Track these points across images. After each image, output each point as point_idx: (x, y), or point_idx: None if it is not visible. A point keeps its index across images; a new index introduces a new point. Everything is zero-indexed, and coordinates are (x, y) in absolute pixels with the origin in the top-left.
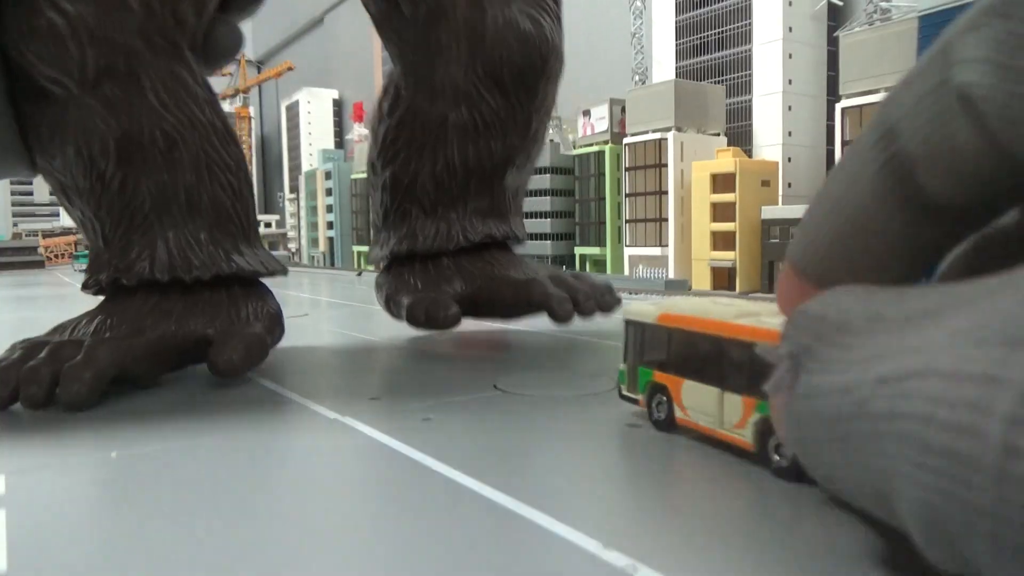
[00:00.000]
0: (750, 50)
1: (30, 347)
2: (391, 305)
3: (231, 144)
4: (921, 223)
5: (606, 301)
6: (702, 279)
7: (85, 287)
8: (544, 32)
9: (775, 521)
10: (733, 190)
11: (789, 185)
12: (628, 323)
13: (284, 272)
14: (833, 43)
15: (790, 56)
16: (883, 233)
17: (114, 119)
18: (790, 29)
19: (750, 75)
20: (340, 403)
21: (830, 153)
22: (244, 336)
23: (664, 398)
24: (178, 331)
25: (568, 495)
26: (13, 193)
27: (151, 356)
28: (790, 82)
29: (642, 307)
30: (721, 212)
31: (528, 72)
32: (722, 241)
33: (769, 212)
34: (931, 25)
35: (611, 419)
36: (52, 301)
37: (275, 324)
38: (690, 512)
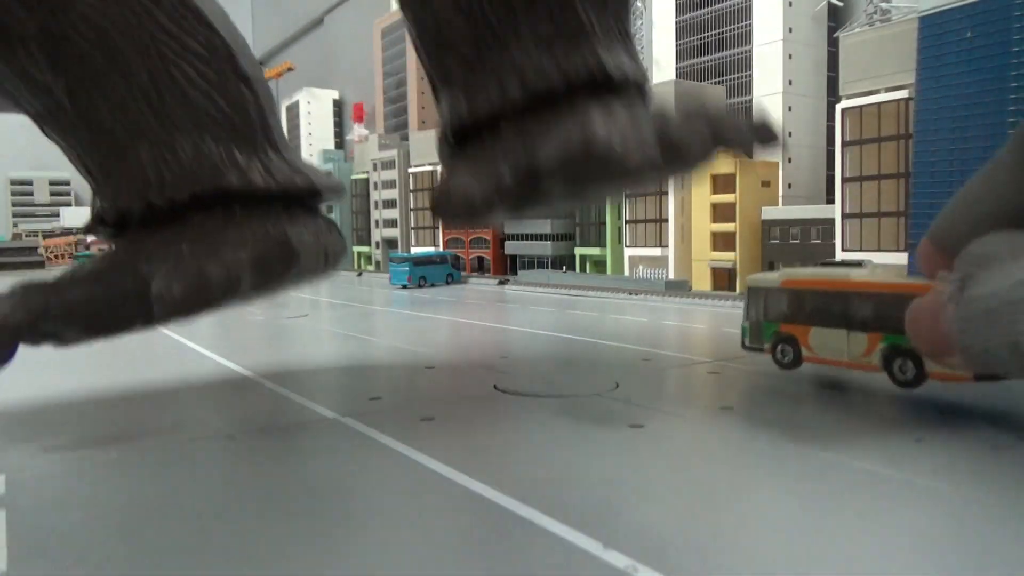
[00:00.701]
0: (750, 51)
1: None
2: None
3: (198, 26)
4: None
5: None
6: (702, 280)
7: (85, 230)
8: None
9: (774, 520)
10: (733, 191)
11: (789, 186)
12: (751, 289)
13: (317, 189)
14: (833, 44)
15: (790, 57)
16: (1010, 203)
17: (26, 11)
18: (790, 30)
19: (750, 76)
20: (340, 403)
21: (830, 154)
22: (194, 264)
23: (789, 346)
24: (137, 273)
25: (568, 495)
26: (13, 193)
27: (91, 304)
28: (790, 83)
29: (764, 275)
30: (721, 213)
31: None
32: (722, 242)
33: (769, 213)
34: (931, 25)
35: (611, 419)
36: None
37: (272, 253)
38: (690, 512)
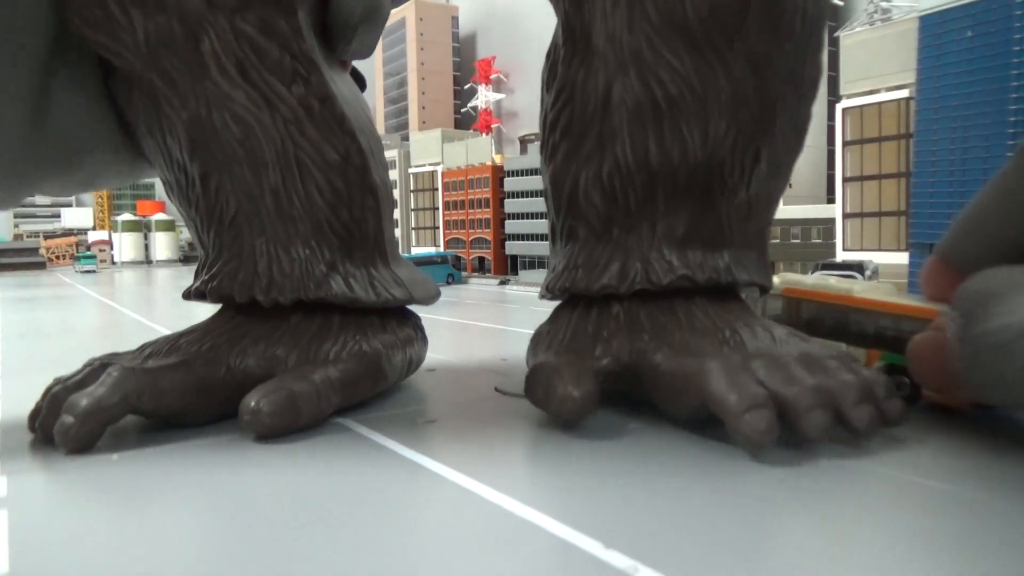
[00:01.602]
0: None
1: (91, 368)
2: (528, 361)
3: (334, 134)
4: None
5: (886, 409)
6: None
7: (185, 295)
8: None
9: (776, 521)
10: None
11: (790, 186)
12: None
13: (414, 301)
14: (834, 43)
15: None
16: (1017, 223)
17: (177, 99)
18: None
19: None
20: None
21: (831, 153)
22: (285, 385)
23: None
24: (229, 367)
25: (568, 495)
26: None
27: (182, 394)
28: None
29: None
30: None
31: (725, 6)
32: None
33: None
34: (931, 25)
35: (611, 419)
36: (53, 302)
37: (361, 371)
38: (690, 512)
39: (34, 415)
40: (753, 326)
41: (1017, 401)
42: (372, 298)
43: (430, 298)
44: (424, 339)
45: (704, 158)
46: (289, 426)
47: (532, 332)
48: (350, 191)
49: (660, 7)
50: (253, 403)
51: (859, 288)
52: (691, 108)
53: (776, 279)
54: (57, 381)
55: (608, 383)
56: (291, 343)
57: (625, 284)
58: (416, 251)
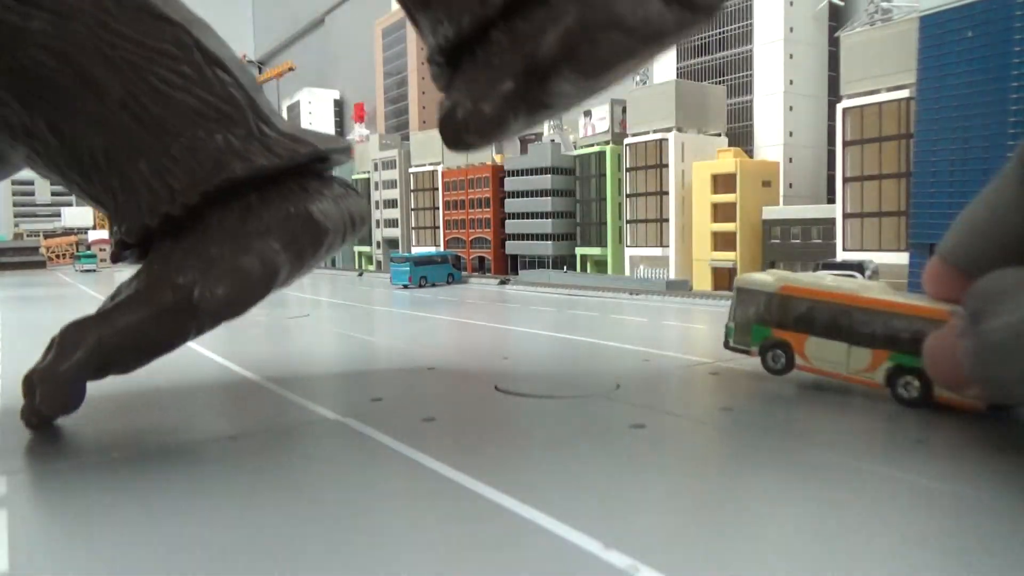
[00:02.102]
0: (751, 50)
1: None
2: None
3: (157, 23)
4: None
5: None
6: (703, 280)
7: (112, 257)
8: None
9: (776, 522)
10: (734, 190)
11: (790, 186)
12: (742, 290)
13: (321, 152)
14: (834, 43)
15: (791, 56)
16: (1019, 225)
17: None
18: (791, 29)
19: (751, 75)
20: (342, 404)
21: (831, 153)
22: (228, 265)
23: (781, 351)
24: (174, 285)
25: (568, 495)
26: (14, 193)
27: (141, 325)
28: (791, 82)
29: (757, 277)
30: (722, 212)
31: None
32: (723, 242)
33: (770, 213)
34: (932, 25)
35: (611, 420)
36: (54, 301)
37: (297, 230)
38: (690, 512)
39: (23, 412)
40: None
41: (1021, 398)
42: (276, 161)
43: (341, 149)
44: (358, 193)
45: None
46: (246, 303)
47: (532, 332)
48: (198, 71)
49: None
50: (205, 290)
51: (860, 287)
52: None
53: (768, 276)
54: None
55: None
56: (221, 238)
57: None
58: (416, 251)
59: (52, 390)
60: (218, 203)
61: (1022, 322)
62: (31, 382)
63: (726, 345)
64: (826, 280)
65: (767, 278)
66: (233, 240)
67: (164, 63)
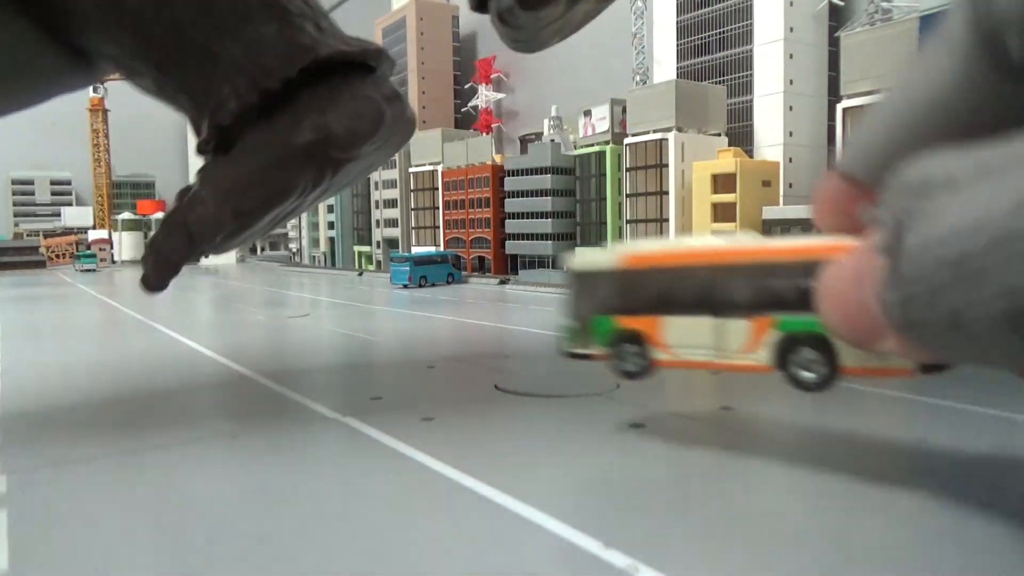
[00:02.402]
0: (751, 50)
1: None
2: None
3: None
4: (1009, 93)
5: None
6: None
7: (198, 151)
8: None
9: (775, 521)
10: (734, 190)
11: (790, 185)
12: (577, 274)
13: (377, 53)
14: (834, 43)
15: (791, 56)
16: (964, 110)
17: None
18: (791, 29)
19: (751, 75)
20: (341, 403)
21: (831, 153)
22: (358, 103)
23: (633, 347)
24: (283, 143)
25: (568, 495)
26: (14, 193)
27: (261, 182)
28: (791, 82)
29: (591, 255)
30: (722, 212)
31: None
32: None
33: (770, 212)
34: (932, 25)
35: (611, 419)
36: (54, 301)
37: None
38: (690, 512)
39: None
40: None
41: (983, 349)
42: (352, 49)
43: (387, 55)
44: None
45: None
46: (367, 134)
47: (532, 331)
48: None
49: None
50: (336, 122)
51: (727, 242)
52: None
53: (603, 252)
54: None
55: None
56: (325, 99)
57: None
58: (416, 250)
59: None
60: (305, 85)
61: (978, 229)
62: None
63: (565, 352)
64: (687, 242)
65: (603, 254)
66: (337, 99)
67: None
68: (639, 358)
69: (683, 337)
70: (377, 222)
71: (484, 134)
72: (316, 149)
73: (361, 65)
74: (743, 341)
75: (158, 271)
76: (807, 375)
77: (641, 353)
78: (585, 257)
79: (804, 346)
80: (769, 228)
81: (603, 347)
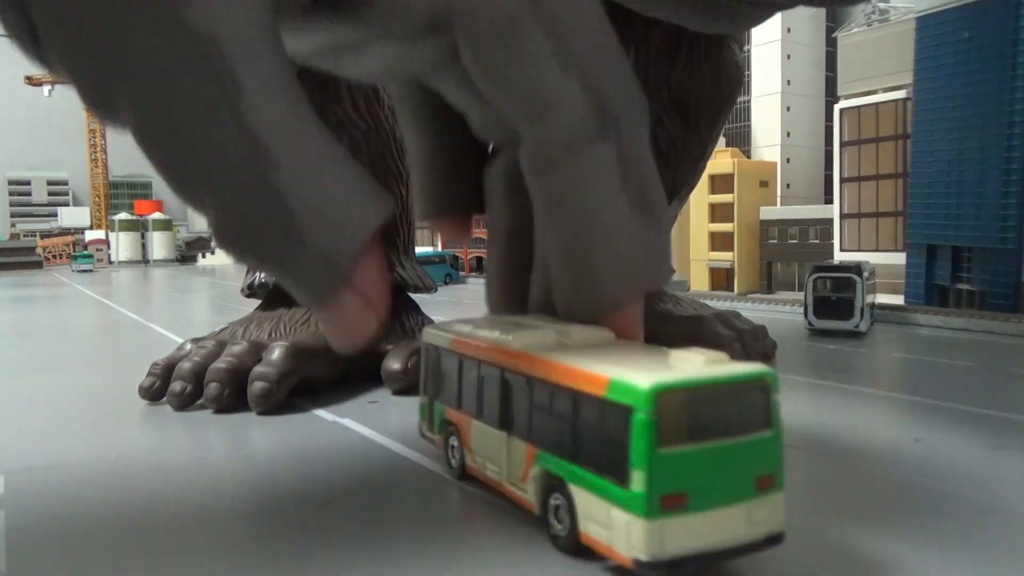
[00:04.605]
0: (749, 51)
1: (206, 348)
2: None
3: (404, 154)
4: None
5: (767, 345)
6: (700, 280)
7: (244, 291)
8: (738, 59)
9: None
10: (731, 191)
11: (788, 186)
12: (427, 347)
13: (434, 290)
14: (831, 44)
15: (788, 57)
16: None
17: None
18: (788, 30)
19: (749, 76)
20: (340, 405)
21: (828, 154)
22: (411, 347)
23: (457, 444)
24: None
25: None
26: (11, 193)
27: (329, 361)
28: (788, 83)
29: (444, 326)
30: (719, 213)
31: (718, 102)
32: (720, 242)
33: (767, 213)
34: (929, 26)
35: None
36: (50, 302)
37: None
38: None
39: (161, 389)
40: (691, 301)
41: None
42: (421, 285)
43: (434, 287)
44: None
45: (668, 191)
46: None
47: None
48: (408, 201)
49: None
50: (395, 364)
51: (535, 336)
52: (672, 159)
53: (453, 325)
54: (162, 361)
55: None
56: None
57: None
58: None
59: (277, 391)
60: None
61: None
62: (198, 375)
63: (421, 433)
64: (519, 324)
65: (458, 326)
66: (396, 326)
67: (398, 184)
68: (460, 459)
69: (483, 447)
70: None
71: None
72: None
73: None
74: (521, 469)
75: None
76: (558, 526)
77: (460, 455)
78: (437, 329)
79: (558, 492)
80: (766, 228)
81: (439, 435)
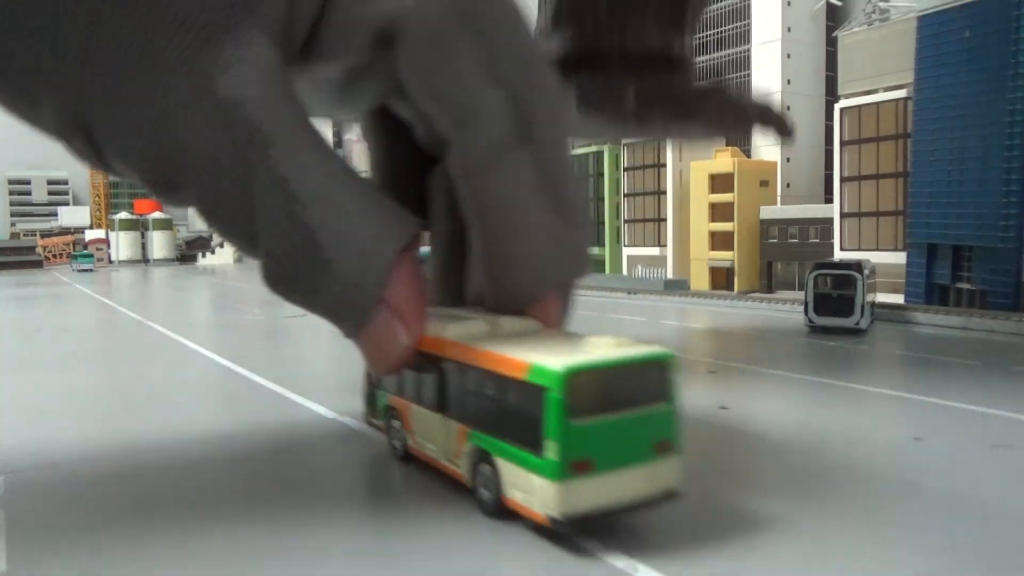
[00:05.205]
0: (748, 50)
1: None
2: None
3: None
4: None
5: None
6: (700, 279)
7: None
8: None
9: (774, 521)
10: (731, 190)
11: (788, 185)
12: None
13: None
14: (832, 43)
15: (789, 56)
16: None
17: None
18: (789, 29)
19: (749, 75)
20: (338, 402)
21: (828, 153)
22: None
23: (398, 427)
24: None
25: None
26: (11, 193)
27: None
28: (789, 82)
29: None
30: (719, 212)
31: None
32: (720, 241)
33: (768, 212)
34: (929, 25)
35: None
36: (50, 301)
37: None
38: (688, 512)
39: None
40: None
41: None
42: None
43: None
44: None
45: None
46: None
47: None
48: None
49: None
50: None
51: (468, 328)
52: None
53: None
54: None
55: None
56: None
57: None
58: None
59: None
60: None
61: None
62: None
63: (366, 420)
64: (455, 317)
65: None
66: None
67: None
68: (401, 439)
69: (421, 428)
70: None
71: None
72: None
73: None
74: (455, 446)
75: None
76: (485, 494)
77: (402, 436)
78: None
79: (486, 464)
80: (766, 228)
81: (381, 420)
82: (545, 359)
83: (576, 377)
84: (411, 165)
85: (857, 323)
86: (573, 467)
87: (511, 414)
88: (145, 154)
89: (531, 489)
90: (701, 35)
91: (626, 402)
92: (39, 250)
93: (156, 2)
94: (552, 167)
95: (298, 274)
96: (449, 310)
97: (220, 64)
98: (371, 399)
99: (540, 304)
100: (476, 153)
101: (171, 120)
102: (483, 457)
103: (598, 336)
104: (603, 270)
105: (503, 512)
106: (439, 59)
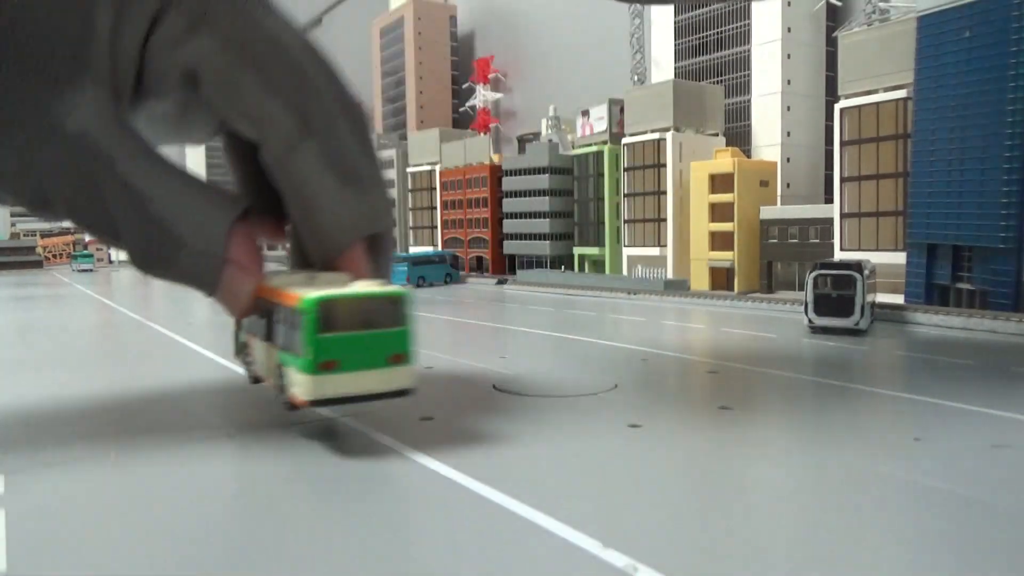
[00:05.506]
0: (749, 50)
1: None
2: None
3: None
4: None
5: None
6: (700, 279)
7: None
8: None
9: (773, 520)
10: (732, 190)
11: (788, 185)
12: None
13: None
14: (832, 43)
15: (789, 56)
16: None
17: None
18: (789, 29)
19: (749, 75)
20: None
21: (828, 153)
22: None
23: (249, 357)
24: None
25: (567, 495)
26: None
27: None
28: (789, 82)
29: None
30: (720, 212)
31: None
32: (721, 241)
33: (768, 212)
34: (929, 25)
35: (611, 419)
36: (50, 301)
37: None
38: (688, 511)
39: None
40: None
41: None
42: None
43: None
44: None
45: None
46: None
47: (530, 331)
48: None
49: None
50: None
51: (289, 279)
52: None
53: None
54: None
55: None
56: None
57: None
58: (414, 250)
59: None
60: None
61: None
62: None
63: (236, 357)
64: (282, 278)
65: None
66: None
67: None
68: (251, 367)
69: (260, 356)
70: None
71: (482, 134)
72: None
73: None
74: (272, 364)
75: None
76: (284, 396)
77: (252, 363)
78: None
79: (282, 372)
80: (767, 228)
81: (239, 354)
82: (310, 293)
83: (325, 304)
84: (262, 169)
85: (857, 323)
86: (321, 366)
87: (290, 333)
88: (19, 177)
89: (296, 383)
90: (701, 35)
91: (366, 324)
92: (39, 250)
93: (18, 55)
94: (335, 149)
95: (157, 254)
96: (295, 270)
97: (65, 106)
98: (237, 340)
99: (346, 257)
100: (275, 150)
101: (35, 150)
102: (281, 368)
103: (367, 280)
104: (603, 270)
105: (291, 407)
106: (230, 88)
